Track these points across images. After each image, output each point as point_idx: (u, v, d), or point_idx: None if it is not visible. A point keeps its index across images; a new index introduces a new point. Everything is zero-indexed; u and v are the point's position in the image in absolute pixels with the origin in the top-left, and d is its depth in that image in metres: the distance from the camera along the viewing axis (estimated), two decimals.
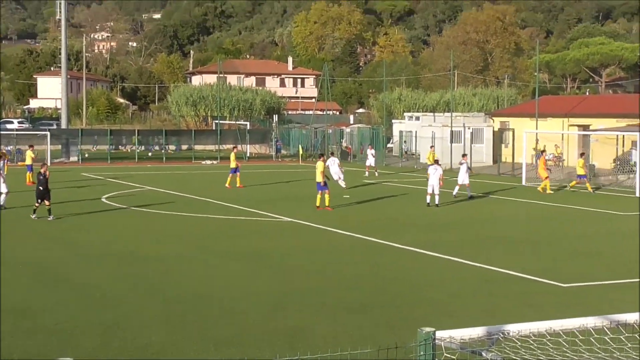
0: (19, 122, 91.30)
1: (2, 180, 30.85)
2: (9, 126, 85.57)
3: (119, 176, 49.06)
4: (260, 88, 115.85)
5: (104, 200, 34.87)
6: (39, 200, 27.53)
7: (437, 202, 32.58)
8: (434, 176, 32.50)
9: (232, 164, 41.53)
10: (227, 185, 41.24)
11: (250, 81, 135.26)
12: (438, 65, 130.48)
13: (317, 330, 13.30)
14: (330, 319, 14.05)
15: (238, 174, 41.42)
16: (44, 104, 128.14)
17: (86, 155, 68.60)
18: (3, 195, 30.80)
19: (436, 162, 34.14)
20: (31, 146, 47.80)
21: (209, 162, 67.21)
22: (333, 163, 39.05)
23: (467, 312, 14.57)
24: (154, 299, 15.49)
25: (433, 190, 32.51)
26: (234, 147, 44.89)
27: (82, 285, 16.77)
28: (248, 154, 72.49)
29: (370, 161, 52.08)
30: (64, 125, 72.45)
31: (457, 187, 36.15)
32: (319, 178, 31.33)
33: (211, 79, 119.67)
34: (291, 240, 23.85)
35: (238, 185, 41.15)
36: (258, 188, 41.52)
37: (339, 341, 12.38)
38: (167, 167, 61.68)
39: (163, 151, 70.43)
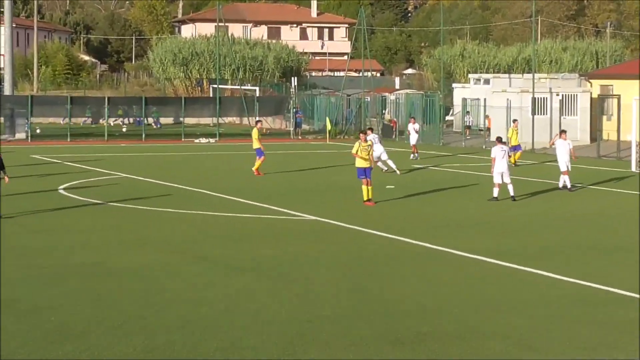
0: None
1: None
2: None
3: (82, 159, 49.22)
4: (274, 41, 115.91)
5: (61, 191, 34.99)
6: None
7: (511, 194, 32.54)
8: (502, 161, 32.39)
9: (256, 144, 41.54)
10: (254, 170, 41.26)
11: (261, 32, 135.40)
12: (515, 10, 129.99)
13: None
14: (369, 355, 13.95)
15: (263, 157, 41.43)
16: None
17: (37, 130, 69.02)
18: None
19: (500, 140, 33.87)
20: None
21: (204, 140, 67.41)
22: (375, 141, 39.17)
23: (555, 346, 14.42)
24: (130, 326, 15.48)
25: (502, 178, 32.37)
26: (257, 122, 44.88)
27: (33, 309, 16.79)
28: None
29: (413, 139, 51.97)
30: (7, 92, 72.93)
31: (562, 178, 35.86)
32: (361, 163, 31.17)
33: (207, 29, 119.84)
34: (316, 246, 23.76)
35: (255, 171, 41.22)
36: (271, 176, 41.49)
37: None
38: (147, 147, 61.89)
39: (141, 125, 70.69)
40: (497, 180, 32.52)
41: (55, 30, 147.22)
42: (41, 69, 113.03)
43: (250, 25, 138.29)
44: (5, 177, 27.80)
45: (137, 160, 50.13)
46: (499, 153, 32.64)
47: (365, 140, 31.70)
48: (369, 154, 31.24)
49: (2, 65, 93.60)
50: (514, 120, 51.00)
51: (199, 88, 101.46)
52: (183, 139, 67.87)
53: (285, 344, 14.55)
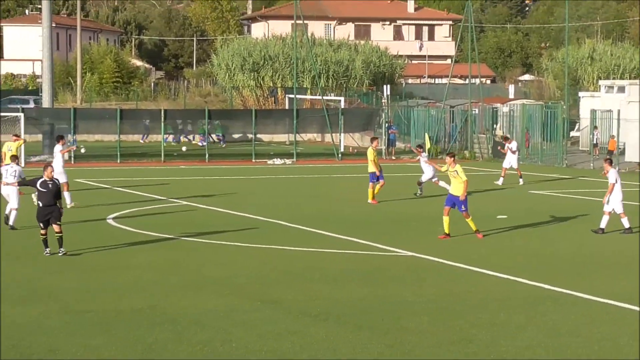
0: None
1: (15, 192, 33.04)
2: None
3: (135, 184, 49.75)
4: (363, 42, 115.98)
5: (110, 221, 35.40)
6: (43, 225, 27.46)
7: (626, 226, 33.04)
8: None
9: (371, 167, 41.50)
10: (370, 200, 41.39)
11: (347, 31, 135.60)
12: None
13: None
14: None
15: (381, 182, 41.46)
16: (13, 68, 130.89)
17: (83, 150, 69.90)
18: (14, 213, 33.01)
19: (611, 162, 34.39)
20: (16, 136, 48.85)
21: (279, 161, 67.72)
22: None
23: None
24: None
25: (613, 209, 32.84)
26: (373, 140, 44.90)
27: None
28: (342, 148, 72.69)
29: (512, 161, 51.71)
30: (46, 104, 73.82)
31: None
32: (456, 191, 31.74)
33: (283, 27, 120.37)
34: (411, 287, 23.78)
35: (371, 199, 41.30)
36: (359, 203, 41.55)
37: None
38: (211, 169, 62.37)
39: (205, 144, 71.33)
40: (606, 209, 32.96)
41: (102, 30, 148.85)
42: (85, 77, 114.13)
43: (334, 23, 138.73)
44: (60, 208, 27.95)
45: (199, 185, 50.47)
46: (618, 177, 33.11)
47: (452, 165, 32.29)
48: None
49: (39, 73, 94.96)
50: None
51: (273, 99, 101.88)
52: (254, 160, 68.20)
53: None
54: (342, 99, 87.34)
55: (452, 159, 32.50)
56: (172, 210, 39.64)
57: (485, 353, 17.63)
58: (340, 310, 21.18)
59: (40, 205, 27.46)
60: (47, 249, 27.40)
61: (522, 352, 17.71)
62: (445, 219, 31.57)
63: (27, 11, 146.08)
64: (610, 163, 34.04)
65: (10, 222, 33.22)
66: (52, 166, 28.52)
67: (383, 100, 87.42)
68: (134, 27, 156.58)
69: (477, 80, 78.87)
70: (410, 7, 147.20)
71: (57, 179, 27.92)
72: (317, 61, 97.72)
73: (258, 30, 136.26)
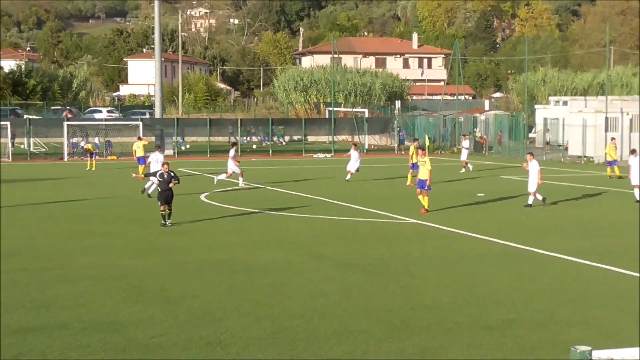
0: (108, 112, 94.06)
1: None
2: (97, 116, 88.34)
3: (220, 172, 49.89)
4: (381, 70, 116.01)
5: (202, 198, 35.53)
6: (161, 203, 27.42)
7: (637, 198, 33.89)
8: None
9: (414, 159, 41.40)
10: (408, 183, 41.21)
11: (369, 62, 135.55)
12: (590, 40, 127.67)
13: (449, 352, 13.17)
14: (464, 339, 13.90)
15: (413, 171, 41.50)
16: (135, 90, 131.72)
17: (187, 147, 70.24)
18: (153, 186, 34.02)
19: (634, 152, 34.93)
20: (139, 138, 49.23)
21: (321, 155, 67.70)
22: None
23: (630, 333, 14.15)
24: (260, 313, 15.66)
25: None
26: (414, 140, 44.89)
27: (180, 297, 17.09)
28: (366, 146, 72.63)
29: (464, 155, 51.33)
30: (157, 115, 74.22)
31: (637, 190, 34.75)
32: (423, 176, 31.17)
33: (324, 59, 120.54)
34: (417, 246, 23.73)
35: (409, 182, 41.21)
36: (378, 184, 41.52)
37: None
38: (273, 160, 62.45)
39: (269, 143, 71.36)
40: (635, 182, 34.04)
41: (196, 62, 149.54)
42: (185, 96, 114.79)
43: (360, 56, 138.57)
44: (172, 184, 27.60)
45: (264, 172, 50.56)
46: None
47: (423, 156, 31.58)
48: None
49: (153, 93, 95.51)
50: (612, 138, 50.02)
51: (317, 110, 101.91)
52: (304, 154, 68.28)
53: (391, 328, 14.57)
54: (366, 110, 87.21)
55: (423, 152, 31.97)
56: (246, 190, 39.70)
57: (469, 293, 17.55)
58: (366, 262, 21.16)
59: (160, 190, 27.58)
60: (164, 222, 27.21)
61: (495, 292, 17.62)
62: (421, 198, 31.06)
63: (144, 49, 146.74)
64: (532, 155, 33.61)
65: (149, 192, 34.91)
66: (167, 163, 28.93)
67: (395, 112, 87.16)
68: (219, 60, 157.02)
69: (462, 97, 78.57)
70: (415, 44, 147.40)
71: (172, 171, 27.80)
72: (348, 84, 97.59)
73: (306, 61, 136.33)
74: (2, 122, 65.27)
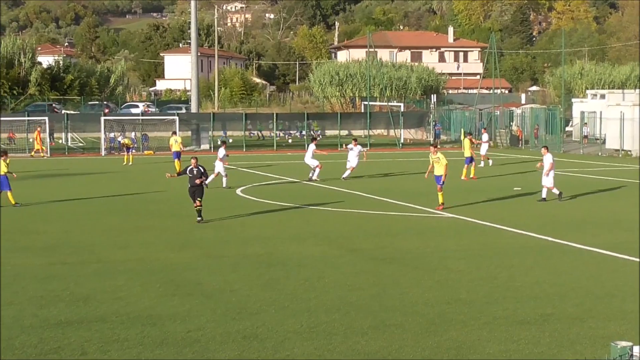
0: (144, 106, 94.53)
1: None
2: (133, 110, 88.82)
3: (256, 166, 50.00)
4: (416, 64, 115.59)
5: (238, 193, 35.62)
6: (193, 199, 26.99)
7: None
8: None
9: (466, 153, 41.33)
10: (463, 177, 41.29)
11: (405, 56, 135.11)
12: (629, 32, 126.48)
13: (485, 347, 13.12)
14: (501, 333, 13.84)
15: (473, 163, 41.61)
16: (171, 85, 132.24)
17: (219, 142, 70.35)
18: (224, 179, 36.44)
19: None
20: (174, 132, 49.53)
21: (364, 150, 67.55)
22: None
23: None
24: (296, 307, 15.69)
25: None
26: (467, 134, 44.60)
27: (216, 290, 17.16)
28: (402, 140, 72.47)
29: (484, 149, 50.35)
30: (193, 109, 74.43)
31: None
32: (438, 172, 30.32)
33: (359, 54, 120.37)
34: (453, 240, 23.64)
35: (464, 176, 41.29)
36: (414, 178, 41.39)
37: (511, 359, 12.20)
38: None
39: (305, 137, 71.38)
40: None
41: (232, 57, 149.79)
42: (221, 90, 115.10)
43: (396, 50, 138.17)
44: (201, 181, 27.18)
45: (300, 166, 50.57)
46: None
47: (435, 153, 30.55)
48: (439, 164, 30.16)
49: (189, 88, 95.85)
50: None
51: (352, 104, 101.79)
52: (339, 148, 68.19)
53: (427, 322, 14.55)
54: (402, 104, 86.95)
55: (435, 148, 31.03)
56: (282, 185, 39.75)
57: (505, 287, 17.47)
58: (401, 256, 21.12)
59: (189, 185, 27.19)
60: (200, 217, 26.84)
61: (531, 286, 17.52)
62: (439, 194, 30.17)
63: (180, 44, 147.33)
64: (547, 149, 33.32)
65: (224, 185, 36.79)
66: (196, 157, 28.06)
67: (431, 105, 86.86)
68: (255, 54, 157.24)
69: (498, 91, 78.18)
70: (450, 38, 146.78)
71: (201, 166, 27.28)
72: (384, 78, 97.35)
73: (342, 56, 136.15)
74: (41, 118, 65.84)
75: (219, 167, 37.76)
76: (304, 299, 16.40)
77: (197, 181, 26.87)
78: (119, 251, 21.83)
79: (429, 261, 20.40)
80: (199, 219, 26.81)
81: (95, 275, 18.63)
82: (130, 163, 51.95)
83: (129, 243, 23.09)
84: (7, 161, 31.46)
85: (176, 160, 44.74)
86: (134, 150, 55.20)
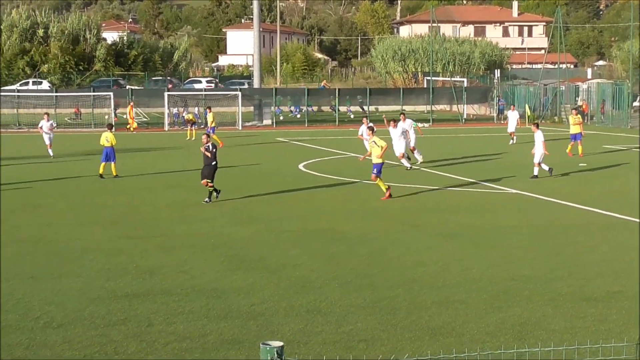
0: (207, 82, 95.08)
1: None
2: (196, 86, 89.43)
3: (318, 141, 50.09)
4: (480, 39, 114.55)
5: (301, 168, 35.73)
6: (205, 180, 25.83)
7: None
8: None
9: (572, 130, 40.39)
10: (567, 150, 40.58)
11: (468, 31, 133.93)
12: None
13: (551, 323, 13.07)
14: (566, 310, 13.76)
15: (579, 141, 40.33)
16: (234, 60, 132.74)
17: (297, 115, 70.60)
18: None
19: None
20: (209, 108, 50.21)
21: (420, 124, 67.25)
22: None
23: None
24: (359, 282, 15.75)
25: None
26: (573, 109, 43.55)
27: (279, 265, 17.29)
28: (465, 116, 72.01)
29: (512, 126, 48.83)
30: (256, 85, 74.68)
31: None
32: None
33: (422, 29, 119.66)
34: (517, 216, 23.51)
35: (579, 153, 40.16)
36: (476, 155, 41.13)
37: (576, 336, 12.12)
38: None
39: (367, 112, 71.14)
40: None
41: (294, 33, 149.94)
42: (283, 66, 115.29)
43: (459, 25, 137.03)
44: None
45: (362, 142, 50.48)
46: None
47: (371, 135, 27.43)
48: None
49: (251, 63, 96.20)
50: None
51: (415, 80, 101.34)
52: (385, 124, 67.91)
53: (491, 298, 14.52)
54: (465, 79, 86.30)
55: (371, 132, 27.82)
56: (342, 160, 39.79)
57: (570, 264, 17.34)
58: (464, 232, 21.06)
59: (203, 164, 26.09)
60: (208, 199, 25.74)
61: (597, 263, 17.38)
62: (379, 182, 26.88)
63: (243, 20, 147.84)
64: (537, 126, 32.52)
65: None
66: (208, 134, 27.17)
67: (494, 81, 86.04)
68: (317, 30, 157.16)
69: (564, 66, 77.19)
70: (515, 12, 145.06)
71: (209, 145, 25.95)
72: (446, 53, 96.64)
73: (404, 31, 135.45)
74: (106, 93, 66.62)
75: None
76: (366, 274, 16.46)
77: (208, 154, 25.71)
78: (183, 225, 22.08)
79: (492, 237, 20.31)
80: (207, 199, 25.70)
81: (160, 249, 18.89)
82: (193, 138, 52.33)
83: (193, 218, 23.34)
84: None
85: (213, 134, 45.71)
86: (197, 126, 55.58)
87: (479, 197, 27.54)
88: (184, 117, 62.18)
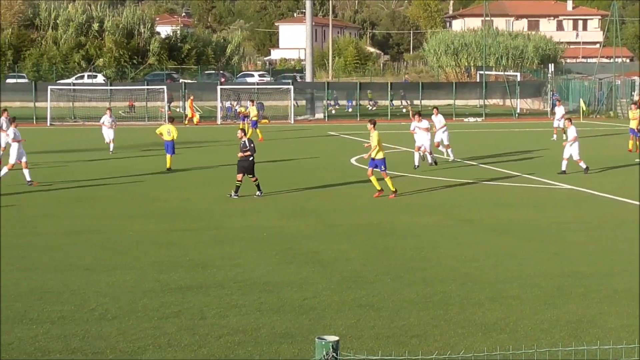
0: (259, 76, 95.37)
1: None
2: (249, 80, 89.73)
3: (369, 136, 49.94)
4: (533, 32, 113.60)
5: (353, 162, 35.68)
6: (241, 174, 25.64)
7: None
8: None
9: (633, 124, 39.71)
10: (629, 149, 39.91)
11: (521, 25, 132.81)
12: None
13: (607, 321, 12.90)
14: (622, 307, 13.58)
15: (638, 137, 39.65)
16: (286, 54, 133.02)
17: (333, 111, 70.58)
18: None
19: None
20: (252, 101, 50.53)
21: (472, 119, 66.89)
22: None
23: None
24: (411, 277, 15.68)
25: None
26: (633, 104, 42.78)
27: (331, 259, 17.27)
28: (518, 110, 71.44)
29: (557, 121, 46.93)
30: (308, 79, 74.71)
31: None
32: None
33: (475, 23, 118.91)
34: (571, 211, 23.26)
35: (630, 147, 39.53)
36: (529, 149, 40.76)
37: (633, 335, 11.95)
38: None
39: (419, 107, 70.89)
40: None
41: (346, 27, 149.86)
42: (335, 60, 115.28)
43: (512, 19, 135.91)
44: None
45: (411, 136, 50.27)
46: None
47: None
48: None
49: (303, 57, 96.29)
50: None
51: (467, 74, 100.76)
52: (454, 118, 67.58)
53: (545, 295, 14.37)
54: (518, 74, 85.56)
55: (372, 126, 26.32)
56: (394, 154, 39.62)
57: (626, 260, 17.11)
58: (517, 227, 20.89)
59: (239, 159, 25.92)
60: (234, 193, 25.38)
61: None
62: (373, 180, 25.93)
63: (295, 14, 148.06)
64: (571, 121, 31.81)
65: None
66: (243, 129, 27.49)
67: (548, 75, 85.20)
68: (369, 24, 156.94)
69: (620, 60, 76.20)
70: (569, 6, 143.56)
71: (247, 140, 26.00)
72: (499, 47, 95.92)
73: (457, 25, 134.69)
74: (159, 87, 67.14)
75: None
76: (419, 268, 16.38)
77: (240, 154, 25.70)
78: (235, 219, 22.17)
79: (546, 233, 20.11)
80: (233, 193, 25.47)
81: (213, 242, 18.98)
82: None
83: (245, 211, 23.42)
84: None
85: (254, 128, 46.07)
86: (249, 119, 55.77)
87: (532, 192, 27.28)
88: (236, 110, 62.48)
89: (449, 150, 35.55)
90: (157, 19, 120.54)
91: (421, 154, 33.31)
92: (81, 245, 18.67)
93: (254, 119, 47.55)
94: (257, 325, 12.77)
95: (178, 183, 29.49)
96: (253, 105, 49.45)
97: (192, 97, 63.03)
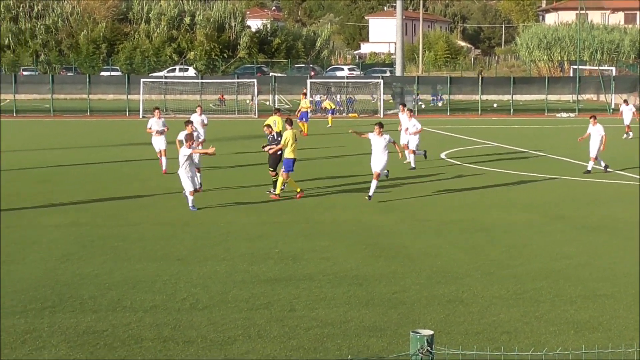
0: (349, 69, 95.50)
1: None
2: (338, 73, 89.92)
3: (460, 131, 49.70)
4: (630, 26, 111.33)
5: (443, 157, 35.53)
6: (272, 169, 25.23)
7: None
8: None
9: None
10: None
11: (618, 18, 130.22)
12: None
13: None
14: None
15: None
16: (376, 48, 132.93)
17: (422, 105, 70.28)
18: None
19: None
20: (304, 94, 50.63)
21: (564, 115, 65.96)
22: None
23: None
24: (501, 273, 15.60)
25: None
26: None
27: (421, 254, 17.27)
28: (613, 106, 70.16)
29: (627, 118, 46.08)
30: (398, 73, 74.58)
31: None
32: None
33: (569, 16, 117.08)
34: None
35: None
36: (623, 146, 40.03)
37: None
38: (514, 120, 61.48)
39: (510, 102, 70.25)
40: None
41: (437, 20, 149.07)
42: (425, 54, 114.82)
43: (608, 12, 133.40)
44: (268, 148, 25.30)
45: (505, 131, 49.88)
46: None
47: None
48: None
49: (393, 51, 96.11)
50: None
51: (560, 69, 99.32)
52: (546, 114, 66.79)
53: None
54: (613, 68, 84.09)
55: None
56: (485, 149, 39.32)
57: None
58: (610, 225, 20.59)
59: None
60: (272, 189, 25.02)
61: None
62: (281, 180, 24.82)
63: (385, 8, 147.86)
64: (595, 119, 30.76)
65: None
66: (269, 125, 26.63)
67: None
68: (460, 17, 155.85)
69: None
70: None
71: (275, 133, 25.63)
72: (594, 41, 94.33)
73: (550, 18, 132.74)
74: (249, 80, 67.77)
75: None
76: (509, 265, 16.28)
77: (266, 149, 25.31)
78: (324, 212, 22.29)
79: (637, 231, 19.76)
80: (271, 190, 24.88)
81: (302, 235, 19.13)
82: (329, 125, 52.75)
83: (334, 205, 23.53)
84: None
85: (303, 122, 45.89)
86: (336, 113, 55.93)
87: (627, 190, 26.80)
88: (319, 103, 62.72)
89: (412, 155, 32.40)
90: (248, 12, 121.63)
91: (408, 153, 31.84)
92: (173, 236, 19.00)
93: (305, 110, 47.37)
94: (346, 318, 12.85)
95: (267, 175, 29.66)
96: (305, 97, 49.63)
97: (305, 91, 62.59)
